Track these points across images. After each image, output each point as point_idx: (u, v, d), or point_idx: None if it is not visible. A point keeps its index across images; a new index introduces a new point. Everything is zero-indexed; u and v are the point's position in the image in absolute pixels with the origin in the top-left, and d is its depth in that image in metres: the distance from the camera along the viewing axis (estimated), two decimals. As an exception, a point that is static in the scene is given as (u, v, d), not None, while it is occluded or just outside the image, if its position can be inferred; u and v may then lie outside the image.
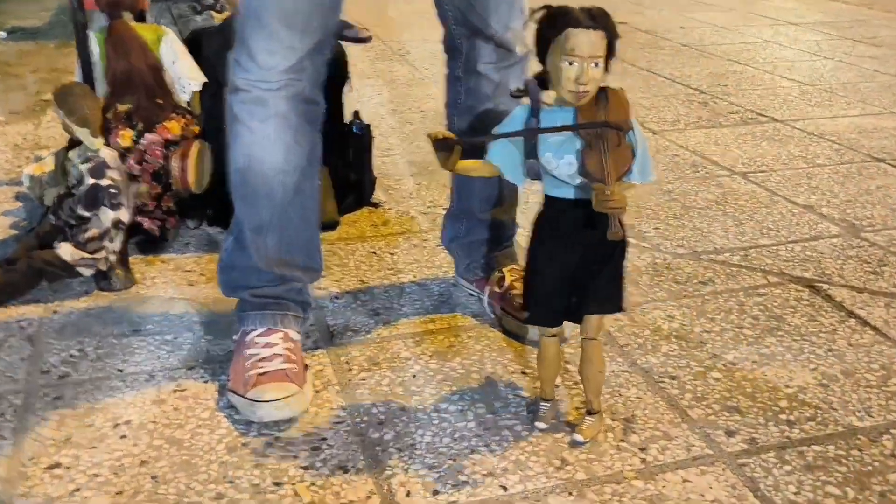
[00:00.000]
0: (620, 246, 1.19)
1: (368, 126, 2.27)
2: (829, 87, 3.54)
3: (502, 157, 1.18)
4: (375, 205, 2.30)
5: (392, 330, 1.65)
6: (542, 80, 1.14)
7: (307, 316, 1.55)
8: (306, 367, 1.47)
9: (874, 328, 1.69)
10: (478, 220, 1.72)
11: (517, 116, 1.17)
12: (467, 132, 1.56)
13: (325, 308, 1.75)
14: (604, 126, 1.10)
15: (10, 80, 3.55)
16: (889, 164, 2.66)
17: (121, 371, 1.52)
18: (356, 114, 2.28)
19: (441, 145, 1.14)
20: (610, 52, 1.11)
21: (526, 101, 1.16)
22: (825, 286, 1.86)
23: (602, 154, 1.09)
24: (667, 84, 3.65)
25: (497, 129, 1.19)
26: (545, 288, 1.22)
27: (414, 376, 1.50)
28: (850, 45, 4.43)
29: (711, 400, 1.45)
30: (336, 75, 2.13)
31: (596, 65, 1.09)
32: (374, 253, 2.01)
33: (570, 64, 1.08)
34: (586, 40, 1.07)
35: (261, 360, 1.41)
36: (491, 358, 1.56)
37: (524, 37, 1.54)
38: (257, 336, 1.46)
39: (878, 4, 5.73)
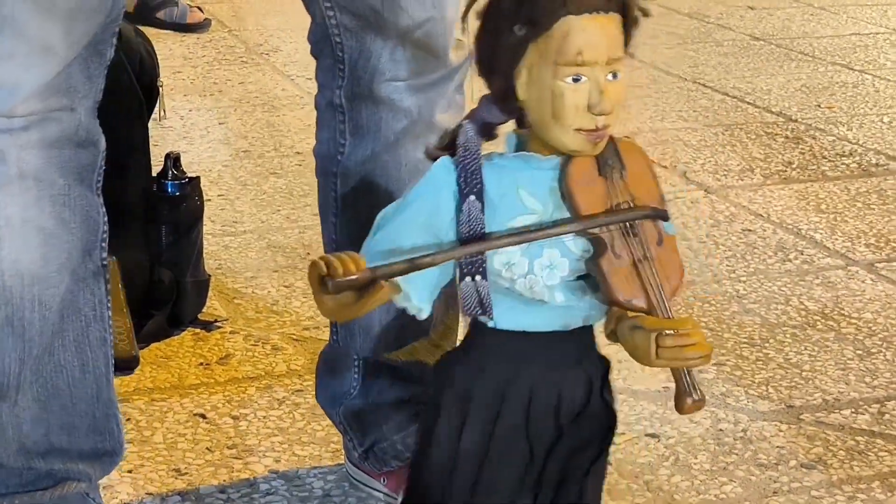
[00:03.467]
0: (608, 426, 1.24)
1: (196, 182, 2.29)
2: None
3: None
4: (208, 325, 2.31)
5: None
6: (486, 125, 1.16)
7: None
8: None
9: None
10: (381, 367, 1.72)
11: (440, 185, 1.16)
12: (361, 220, 1.53)
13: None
14: (647, 215, 1.15)
15: None
16: None
17: None
18: (174, 161, 2.27)
19: (339, 286, 1.07)
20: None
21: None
22: None
23: (644, 263, 1.13)
24: (729, 105, 3.72)
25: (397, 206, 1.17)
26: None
27: None
28: None
29: None
30: (131, 91, 2.12)
31: (615, 76, 1.13)
32: (201, 416, 2.02)
33: (576, 81, 1.12)
34: (601, 34, 1.12)
35: None
36: None
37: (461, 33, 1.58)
38: None
39: None
